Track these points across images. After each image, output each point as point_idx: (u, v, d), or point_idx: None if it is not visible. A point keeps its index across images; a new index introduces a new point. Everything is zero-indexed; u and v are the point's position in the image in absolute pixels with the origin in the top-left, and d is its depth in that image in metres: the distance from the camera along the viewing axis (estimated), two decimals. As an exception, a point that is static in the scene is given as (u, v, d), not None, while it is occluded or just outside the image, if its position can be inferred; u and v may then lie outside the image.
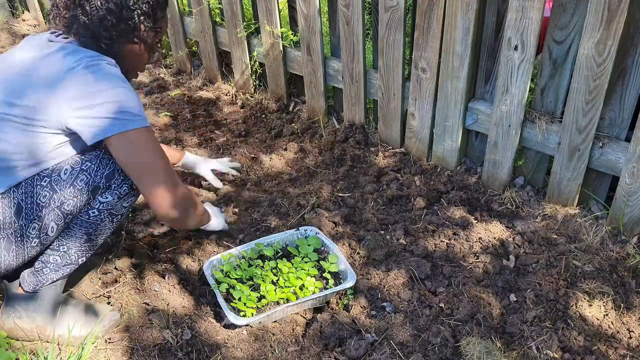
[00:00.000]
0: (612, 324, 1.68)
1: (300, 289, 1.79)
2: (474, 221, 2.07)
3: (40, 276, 1.60)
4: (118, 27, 1.50)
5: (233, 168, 2.33)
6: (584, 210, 2.07)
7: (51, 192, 1.49)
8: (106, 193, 1.55)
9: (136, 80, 3.23)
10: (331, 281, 1.83)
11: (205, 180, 2.23)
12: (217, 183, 2.22)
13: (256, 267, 1.87)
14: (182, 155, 2.16)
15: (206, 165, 2.21)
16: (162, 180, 1.52)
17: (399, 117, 2.42)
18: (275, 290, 1.77)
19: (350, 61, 2.42)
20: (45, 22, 3.79)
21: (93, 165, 1.52)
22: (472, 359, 1.56)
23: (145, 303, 1.79)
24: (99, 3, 1.46)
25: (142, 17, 1.52)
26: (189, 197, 1.63)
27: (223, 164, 2.29)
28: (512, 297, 1.77)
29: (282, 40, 2.65)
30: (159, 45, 1.67)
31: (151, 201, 1.53)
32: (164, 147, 2.02)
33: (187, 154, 2.18)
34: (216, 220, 1.95)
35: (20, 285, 1.64)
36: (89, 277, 1.87)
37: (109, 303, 1.80)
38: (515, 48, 1.90)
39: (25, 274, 1.63)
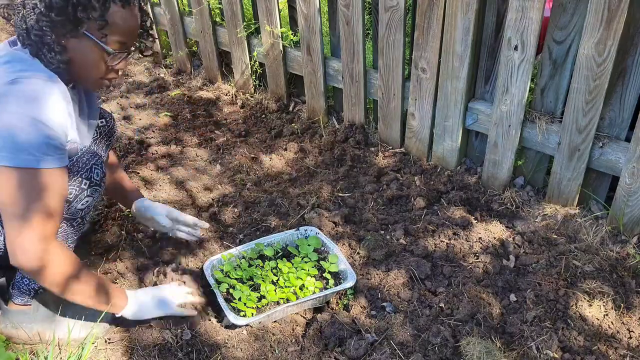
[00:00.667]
0: (612, 324, 1.68)
1: (300, 289, 1.79)
2: (474, 221, 2.07)
3: (23, 287, 1.59)
4: (48, 16, 1.32)
5: (193, 228, 1.96)
6: (584, 210, 2.07)
7: None
8: None
9: (135, 81, 3.23)
10: (331, 281, 1.83)
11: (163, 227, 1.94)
12: (165, 221, 1.88)
13: (256, 267, 1.87)
14: (138, 197, 1.94)
15: (162, 209, 1.91)
16: (25, 229, 1.33)
17: (399, 117, 2.42)
18: (275, 290, 1.77)
19: (350, 61, 2.42)
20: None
21: None
22: (472, 359, 1.55)
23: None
24: None
25: (79, 7, 1.32)
26: (56, 257, 1.40)
27: (182, 216, 1.93)
28: (512, 297, 1.77)
29: (282, 40, 2.65)
30: (117, 43, 1.42)
31: (8, 248, 1.36)
32: (125, 181, 1.94)
33: (144, 199, 1.95)
34: (130, 310, 1.62)
35: (11, 299, 1.64)
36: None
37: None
38: (515, 48, 1.90)
39: (12, 289, 1.62)
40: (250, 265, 1.88)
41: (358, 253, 1.96)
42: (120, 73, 1.50)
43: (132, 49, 1.48)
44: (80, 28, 1.35)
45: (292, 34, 2.65)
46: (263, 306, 1.74)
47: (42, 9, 1.32)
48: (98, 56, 1.41)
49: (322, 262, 1.88)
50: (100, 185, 1.59)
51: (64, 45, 1.38)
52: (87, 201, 1.55)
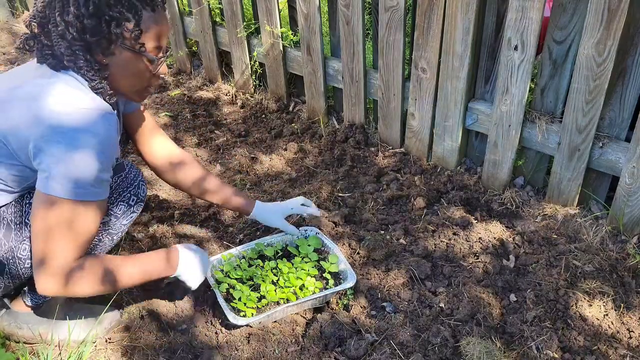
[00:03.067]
0: (612, 324, 1.68)
1: (300, 289, 1.79)
2: (474, 221, 2.07)
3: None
4: (83, 39, 1.32)
5: (309, 213, 1.98)
6: (584, 210, 2.07)
7: None
8: None
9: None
10: (331, 281, 1.83)
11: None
12: (293, 231, 1.94)
13: (256, 267, 1.87)
14: (252, 207, 1.89)
15: (280, 215, 1.93)
16: (53, 265, 1.33)
17: (399, 117, 2.42)
18: (275, 291, 1.77)
19: (350, 61, 2.42)
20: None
21: None
22: (472, 359, 1.55)
23: (145, 303, 1.79)
24: (58, 18, 1.30)
25: (113, 23, 1.31)
26: (78, 280, 1.37)
27: (297, 207, 1.95)
28: (512, 297, 1.77)
29: (282, 40, 2.65)
30: (155, 48, 1.41)
31: (34, 271, 1.36)
32: (230, 191, 1.87)
33: (258, 205, 1.90)
34: (188, 275, 1.61)
35: (22, 300, 1.62)
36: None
37: (109, 304, 1.80)
38: (515, 48, 1.90)
39: (27, 289, 1.61)
40: (250, 266, 1.88)
41: (358, 253, 1.96)
42: (161, 77, 1.50)
43: (168, 49, 1.48)
44: (117, 43, 1.34)
45: (292, 34, 2.65)
46: (263, 306, 1.74)
47: (75, 34, 1.30)
48: (142, 66, 1.40)
49: (322, 262, 1.88)
50: (143, 201, 1.62)
51: (104, 63, 1.37)
52: (132, 217, 1.59)
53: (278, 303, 1.74)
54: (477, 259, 1.91)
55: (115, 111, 1.57)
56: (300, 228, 1.99)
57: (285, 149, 2.58)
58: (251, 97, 2.95)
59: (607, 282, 1.78)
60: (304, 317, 1.76)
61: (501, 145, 2.13)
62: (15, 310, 1.63)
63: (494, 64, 2.07)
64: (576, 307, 1.71)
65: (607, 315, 1.70)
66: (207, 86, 3.13)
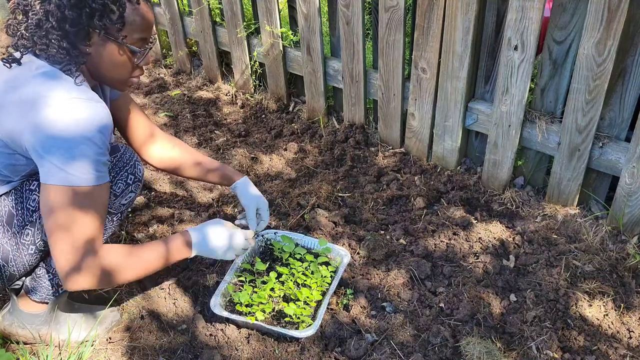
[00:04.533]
0: (612, 324, 1.68)
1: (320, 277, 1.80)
2: (474, 221, 2.07)
3: (44, 282, 1.58)
4: (62, 29, 1.31)
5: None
6: (584, 210, 2.07)
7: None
8: None
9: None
10: (332, 261, 1.85)
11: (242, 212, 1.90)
12: (252, 224, 1.81)
13: (261, 283, 1.78)
14: (238, 179, 1.86)
15: (256, 200, 1.84)
16: (68, 247, 1.32)
17: (399, 117, 2.42)
18: (311, 292, 1.74)
19: (350, 61, 2.42)
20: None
21: None
22: (472, 359, 1.56)
23: (145, 303, 1.79)
24: (37, 7, 1.30)
25: (96, 14, 1.31)
26: (100, 267, 1.37)
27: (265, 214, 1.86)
28: (512, 297, 1.77)
29: (282, 40, 2.65)
30: (138, 40, 1.41)
31: (55, 262, 1.35)
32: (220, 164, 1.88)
33: (246, 181, 1.87)
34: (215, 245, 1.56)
35: (28, 296, 1.61)
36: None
37: (109, 304, 1.80)
38: (515, 48, 1.90)
39: (27, 281, 1.60)
40: (254, 286, 1.79)
41: (358, 253, 1.96)
42: (144, 69, 1.50)
43: (151, 42, 1.48)
44: (100, 34, 1.35)
45: (292, 34, 2.65)
46: (313, 307, 1.72)
47: (54, 23, 1.31)
48: (125, 57, 1.41)
49: (315, 250, 1.88)
50: (141, 181, 1.64)
51: (87, 52, 1.38)
52: (130, 197, 1.60)
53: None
54: (477, 259, 1.91)
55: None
56: (257, 237, 1.90)
57: (285, 149, 2.58)
58: (251, 97, 2.95)
59: (607, 282, 1.78)
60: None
61: (501, 145, 2.13)
62: (20, 308, 1.63)
63: (494, 64, 2.07)
64: (576, 307, 1.71)
65: (607, 315, 1.70)
66: (207, 86, 3.13)
